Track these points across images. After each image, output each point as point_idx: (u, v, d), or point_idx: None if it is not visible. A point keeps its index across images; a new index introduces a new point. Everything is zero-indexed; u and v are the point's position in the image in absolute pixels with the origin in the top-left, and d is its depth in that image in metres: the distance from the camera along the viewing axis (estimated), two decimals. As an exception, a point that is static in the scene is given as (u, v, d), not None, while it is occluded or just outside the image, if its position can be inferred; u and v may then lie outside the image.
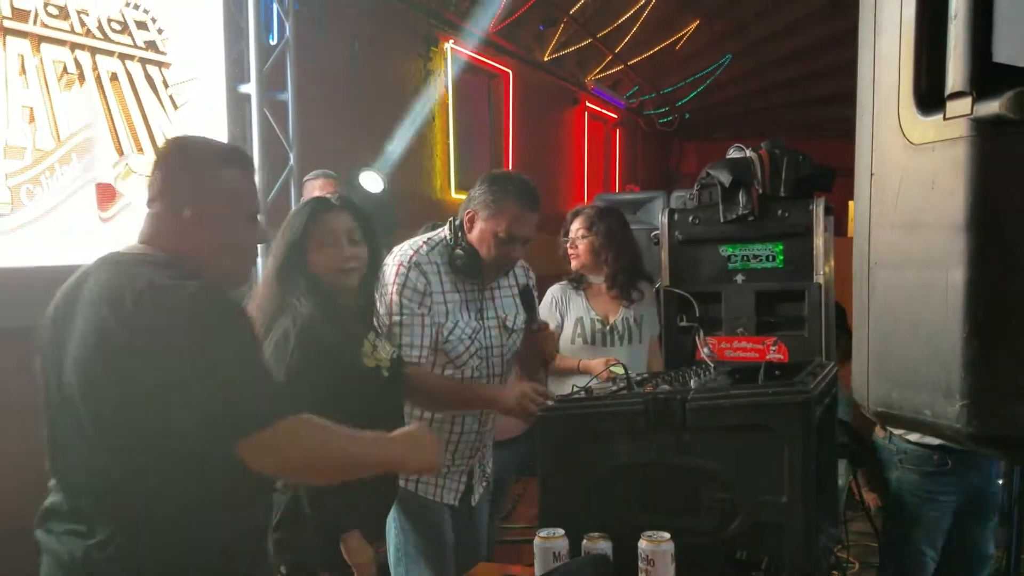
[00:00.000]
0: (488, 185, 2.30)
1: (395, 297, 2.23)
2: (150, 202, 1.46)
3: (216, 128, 4.00)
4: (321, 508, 1.93)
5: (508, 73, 7.45)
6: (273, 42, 4.39)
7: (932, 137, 0.66)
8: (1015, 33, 0.64)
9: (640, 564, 1.54)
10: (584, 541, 1.64)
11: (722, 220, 2.92)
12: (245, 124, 4.18)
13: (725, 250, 2.99)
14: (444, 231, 2.35)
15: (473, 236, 2.30)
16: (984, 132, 0.63)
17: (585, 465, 1.81)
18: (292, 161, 4.32)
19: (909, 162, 0.69)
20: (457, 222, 2.32)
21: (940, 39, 0.66)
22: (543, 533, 1.61)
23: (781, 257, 2.86)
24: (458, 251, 2.28)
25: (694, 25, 8.61)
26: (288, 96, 4.33)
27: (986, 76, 0.64)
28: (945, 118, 0.65)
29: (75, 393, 1.35)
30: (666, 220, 3.05)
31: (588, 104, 9.58)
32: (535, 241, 2.38)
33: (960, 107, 0.64)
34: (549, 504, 1.81)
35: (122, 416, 1.33)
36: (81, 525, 1.38)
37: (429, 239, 2.34)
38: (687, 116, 11.29)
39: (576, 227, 3.16)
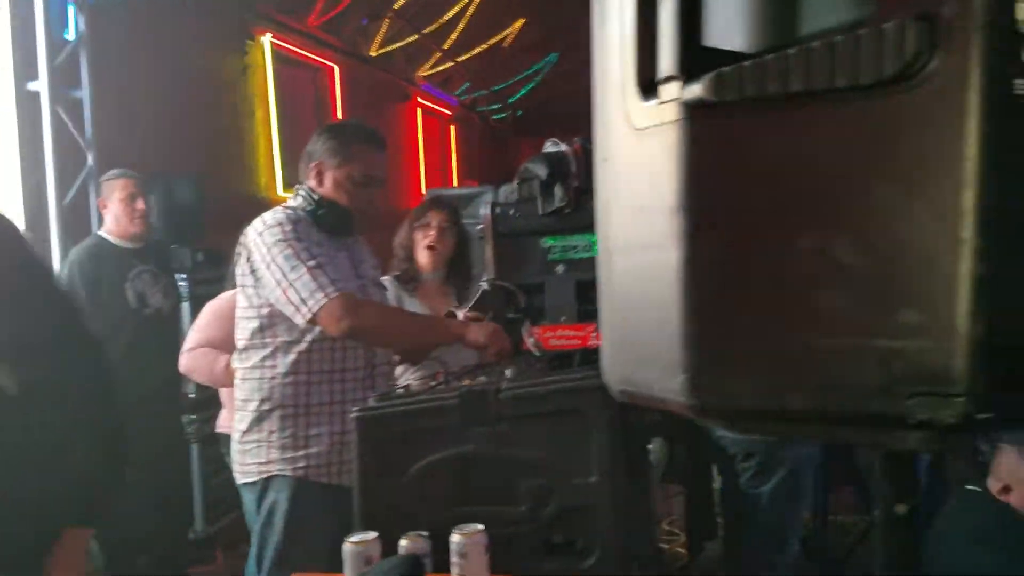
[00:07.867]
0: (329, 134, 2.22)
1: (295, 247, 2.04)
2: None
3: (3, 129, 3.66)
4: None
5: (333, 68, 7.28)
6: (69, 37, 4.07)
7: (650, 121, 0.68)
8: (723, 17, 0.67)
9: (452, 559, 1.52)
10: (401, 541, 1.60)
11: (541, 213, 2.97)
12: (36, 124, 3.84)
13: (545, 242, 3.05)
14: (294, 200, 2.21)
15: (327, 188, 2.19)
16: (691, 115, 0.65)
17: (403, 464, 1.77)
18: (91, 161, 4.03)
19: (633, 147, 0.70)
20: (306, 185, 2.20)
21: (656, 24, 0.68)
22: (354, 538, 1.57)
23: (597, 247, 2.94)
24: (321, 210, 2.16)
25: (519, 24, 8.75)
26: (84, 93, 4.02)
27: (696, 60, 0.66)
28: (660, 102, 0.67)
29: None
30: (490, 214, 3.07)
31: (420, 100, 9.53)
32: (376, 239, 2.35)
33: (671, 91, 0.66)
34: (367, 507, 1.76)
35: None
36: None
37: (286, 206, 2.19)
38: (519, 113, 11.49)
39: (441, 218, 2.94)
